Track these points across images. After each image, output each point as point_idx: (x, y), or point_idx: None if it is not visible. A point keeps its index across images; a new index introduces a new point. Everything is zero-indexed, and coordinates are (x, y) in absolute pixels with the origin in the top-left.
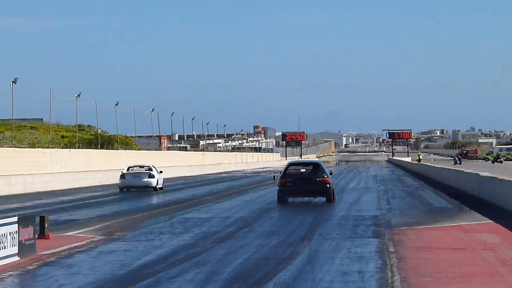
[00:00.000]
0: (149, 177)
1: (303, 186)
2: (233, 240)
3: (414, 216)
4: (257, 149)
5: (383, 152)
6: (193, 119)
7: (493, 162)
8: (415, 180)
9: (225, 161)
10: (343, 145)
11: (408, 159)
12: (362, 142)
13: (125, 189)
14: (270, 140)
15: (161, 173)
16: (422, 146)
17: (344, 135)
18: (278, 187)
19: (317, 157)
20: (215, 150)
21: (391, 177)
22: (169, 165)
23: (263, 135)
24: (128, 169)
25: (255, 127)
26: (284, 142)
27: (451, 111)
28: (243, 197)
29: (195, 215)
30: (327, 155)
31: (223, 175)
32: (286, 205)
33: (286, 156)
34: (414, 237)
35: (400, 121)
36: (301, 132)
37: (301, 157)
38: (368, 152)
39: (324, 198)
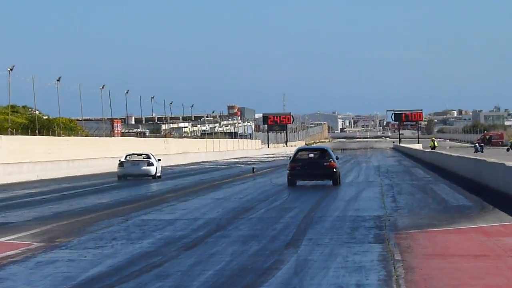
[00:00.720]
0: (148, 165)
1: (311, 170)
2: (202, 247)
3: (425, 216)
4: (233, 135)
5: (387, 138)
6: (152, 98)
7: (507, 150)
8: (427, 172)
9: (193, 149)
10: (339, 129)
11: (419, 146)
12: (362, 126)
13: (124, 178)
14: (249, 123)
15: (159, 161)
16: (435, 130)
17: (340, 117)
18: (288, 171)
19: (306, 144)
20: (181, 136)
21: (397, 168)
22: (122, 154)
23: (239, 118)
24: (126, 157)
25: (230, 107)
26: (266, 126)
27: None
28: (215, 194)
29: (155, 217)
30: (319, 142)
31: (191, 166)
32: (270, 203)
33: (268, 143)
34: (425, 242)
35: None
36: (287, 113)
37: (286, 144)
38: (370, 138)
39: (331, 182)
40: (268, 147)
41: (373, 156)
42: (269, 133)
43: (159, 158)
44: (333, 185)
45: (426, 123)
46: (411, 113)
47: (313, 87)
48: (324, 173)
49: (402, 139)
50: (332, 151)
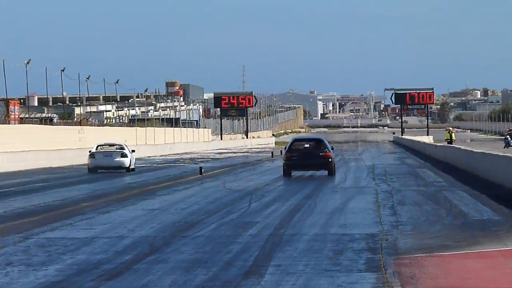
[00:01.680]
0: (121, 157)
1: (307, 160)
2: (130, 276)
3: (436, 235)
4: (173, 122)
5: (385, 128)
6: (63, 70)
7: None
8: (439, 174)
9: (119, 142)
10: (319, 115)
11: (428, 139)
12: (351, 111)
13: (94, 171)
14: (195, 106)
15: (133, 152)
16: (451, 116)
17: (321, 98)
18: (283, 161)
19: (273, 135)
20: (102, 124)
21: (398, 169)
22: (20, 148)
23: (182, 99)
24: (97, 148)
25: (169, 84)
26: (218, 110)
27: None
28: (148, 204)
29: (66, 234)
30: (291, 132)
31: None
32: (224, 216)
33: (221, 134)
34: (435, 271)
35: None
36: (247, 93)
37: (246, 135)
38: (361, 127)
39: (326, 172)
40: (221, 139)
41: (365, 152)
42: (222, 120)
43: (133, 149)
44: (328, 175)
45: (438, 107)
46: (419, 93)
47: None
48: (320, 163)
49: (405, 129)
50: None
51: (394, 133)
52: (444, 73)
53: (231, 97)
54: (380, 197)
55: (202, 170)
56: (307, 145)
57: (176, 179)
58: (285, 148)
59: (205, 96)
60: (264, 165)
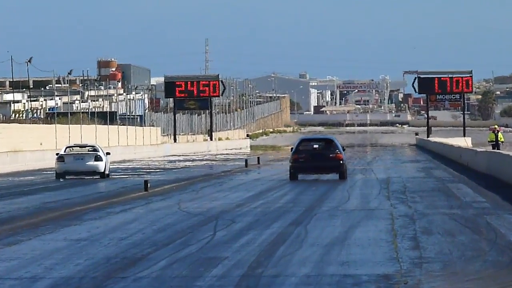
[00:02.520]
0: (95, 160)
1: (316, 162)
2: None
3: (475, 277)
4: (107, 117)
5: (405, 126)
6: None
7: None
8: (480, 191)
9: (32, 145)
10: (312, 108)
11: (465, 142)
12: (357, 102)
13: (63, 176)
14: (138, 95)
15: (108, 155)
16: (497, 111)
17: (314, 84)
18: (290, 163)
19: (248, 136)
20: (8, 120)
21: (423, 184)
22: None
23: (120, 84)
24: (65, 150)
25: (102, 64)
26: (172, 100)
27: None
28: (71, 232)
29: None
30: (272, 132)
31: (26, 177)
32: (179, 249)
33: (175, 135)
34: None
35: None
36: (211, 77)
37: (210, 136)
38: (371, 124)
39: (338, 176)
40: (175, 141)
41: (377, 160)
42: (177, 115)
43: (107, 152)
44: (339, 178)
45: (479, 97)
46: (451, 78)
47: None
48: (330, 166)
49: (433, 128)
50: None
51: (417, 134)
52: (485, 51)
53: (188, 83)
54: (398, 223)
55: (148, 185)
56: (316, 146)
57: (112, 198)
58: (292, 149)
59: (153, 81)
60: (236, 178)
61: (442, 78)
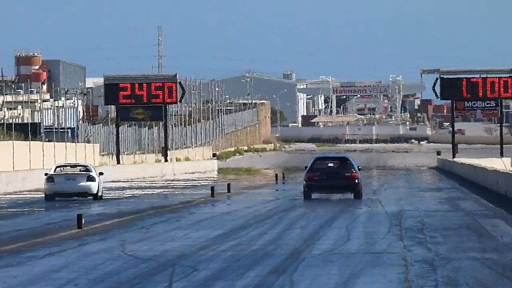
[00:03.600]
0: (88, 180)
1: (331, 181)
2: None
3: None
4: (29, 130)
5: (423, 143)
6: None
7: None
8: None
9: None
10: (299, 118)
11: (502, 163)
12: (360, 111)
13: (52, 198)
14: (70, 102)
15: (101, 176)
16: None
17: (303, 86)
18: (304, 182)
19: (215, 156)
20: None
21: (447, 219)
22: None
23: (45, 87)
24: (55, 169)
25: (22, 61)
26: (114, 109)
27: None
28: None
29: None
30: (247, 151)
31: None
32: None
33: (118, 154)
34: None
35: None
36: (166, 77)
37: (165, 157)
38: (377, 140)
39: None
40: (118, 162)
41: (386, 187)
42: (120, 128)
43: (100, 172)
44: (354, 198)
45: None
46: (484, 78)
47: (232, 13)
48: (345, 185)
49: (460, 145)
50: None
51: (439, 154)
52: None
53: (136, 86)
54: (413, 271)
55: (83, 221)
56: (331, 164)
57: (34, 237)
58: (306, 167)
59: (89, 82)
60: (199, 211)
61: (472, 79)
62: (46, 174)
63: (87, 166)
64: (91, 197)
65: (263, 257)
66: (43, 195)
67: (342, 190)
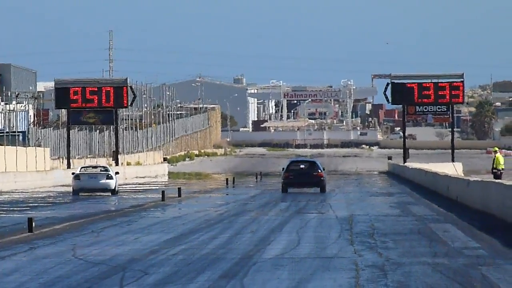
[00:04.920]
0: (107, 178)
1: (302, 179)
2: None
3: None
4: None
5: (374, 148)
6: None
7: None
8: (473, 233)
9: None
10: (250, 123)
11: (454, 168)
12: (311, 115)
13: (78, 193)
14: (21, 105)
15: (117, 175)
16: (496, 128)
17: (254, 91)
18: (282, 180)
19: (165, 160)
20: None
21: (398, 224)
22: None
23: None
24: (80, 169)
25: None
26: (65, 113)
27: None
28: None
29: None
30: (198, 156)
31: None
32: None
33: (69, 158)
34: None
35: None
36: (117, 81)
37: (116, 162)
38: (329, 145)
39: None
40: (69, 166)
41: (336, 192)
42: (71, 131)
43: (117, 171)
44: (320, 192)
45: (474, 109)
46: (436, 83)
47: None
48: (313, 182)
49: (411, 150)
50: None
51: (390, 158)
52: (481, 49)
53: (87, 90)
54: (364, 276)
55: (33, 225)
56: (302, 166)
57: None
58: (283, 169)
59: (40, 86)
60: (149, 215)
61: (423, 84)
62: (73, 173)
63: (106, 167)
64: (110, 192)
65: (213, 261)
66: (70, 191)
67: (311, 185)
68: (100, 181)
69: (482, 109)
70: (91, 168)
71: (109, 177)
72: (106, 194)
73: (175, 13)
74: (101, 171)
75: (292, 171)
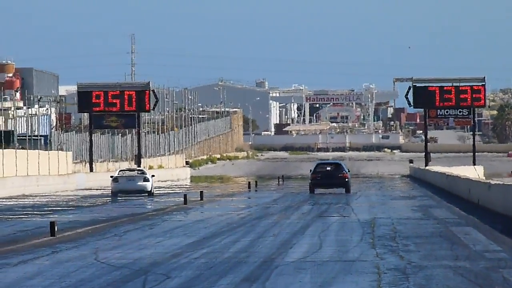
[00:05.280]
0: (144, 181)
1: (329, 180)
2: None
3: None
4: (2, 137)
5: (395, 152)
6: None
7: None
8: (495, 236)
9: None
10: (272, 126)
11: (475, 172)
12: (333, 119)
13: (117, 194)
14: (43, 109)
15: (153, 177)
16: None
17: (276, 95)
18: (310, 180)
19: (188, 164)
20: None
21: (419, 227)
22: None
23: (18, 95)
24: (119, 172)
25: None
26: (87, 116)
27: None
28: None
29: None
30: (220, 159)
31: None
32: None
33: (91, 162)
34: None
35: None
36: (140, 85)
37: (139, 165)
38: (351, 148)
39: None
40: (91, 170)
41: (358, 195)
42: (94, 136)
43: (153, 174)
44: (345, 192)
45: (495, 113)
46: (457, 87)
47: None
48: (339, 182)
49: (432, 154)
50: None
51: (411, 162)
52: (503, 52)
53: (109, 93)
54: (385, 279)
55: (56, 228)
56: (329, 168)
57: (7, 244)
58: (311, 170)
59: (62, 90)
60: (171, 219)
61: (445, 88)
62: (111, 176)
63: (143, 170)
64: (146, 194)
65: (235, 264)
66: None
67: (336, 186)
68: (138, 183)
69: (503, 112)
70: (128, 171)
71: (146, 180)
72: (143, 195)
73: (198, 16)
74: (138, 173)
75: (319, 172)
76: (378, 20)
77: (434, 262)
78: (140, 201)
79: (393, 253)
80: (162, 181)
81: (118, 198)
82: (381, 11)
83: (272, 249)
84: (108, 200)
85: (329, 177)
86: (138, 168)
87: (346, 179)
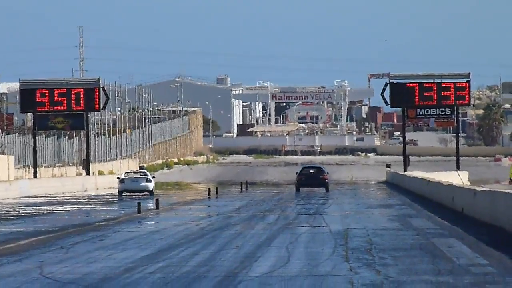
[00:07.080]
0: (146, 182)
1: (311, 181)
2: None
3: None
4: None
5: (370, 155)
6: None
7: None
8: (481, 249)
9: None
10: (235, 127)
11: (458, 177)
12: (301, 119)
13: (122, 193)
14: None
15: (154, 178)
16: (506, 133)
17: (239, 92)
18: (296, 181)
19: (141, 168)
20: None
21: (397, 238)
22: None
23: None
24: (125, 174)
25: None
26: (31, 117)
27: None
28: None
29: None
30: (177, 163)
31: None
32: None
33: (35, 167)
34: None
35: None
36: (88, 81)
37: (87, 171)
38: (321, 152)
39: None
40: (35, 175)
41: (330, 204)
42: (37, 138)
43: (153, 175)
44: (326, 191)
45: (481, 112)
46: (439, 83)
47: (160, 11)
48: (320, 183)
49: (412, 158)
50: None
51: (389, 166)
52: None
53: (55, 91)
54: None
55: None
56: (312, 171)
57: None
58: (297, 173)
59: (3, 88)
60: (124, 229)
61: (425, 85)
62: (118, 178)
63: (145, 172)
64: (148, 193)
65: (195, 280)
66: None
67: (318, 186)
68: (141, 184)
69: (490, 111)
70: (133, 173)
71: (148, 181)
72: (146, 194)
73: (152, 8)
74: (141, 175)
75: (303, 174)
76: (352, 11)
77: (413, 277)
78: (89, 209)
79: (368, 267)
80: (114, 188)
81: (68, 207)
82: (356, 1)
83: (235, 263)
84: (54, 209)
85: (312, 178)
86: (141, 171)
87: (326, 180)
